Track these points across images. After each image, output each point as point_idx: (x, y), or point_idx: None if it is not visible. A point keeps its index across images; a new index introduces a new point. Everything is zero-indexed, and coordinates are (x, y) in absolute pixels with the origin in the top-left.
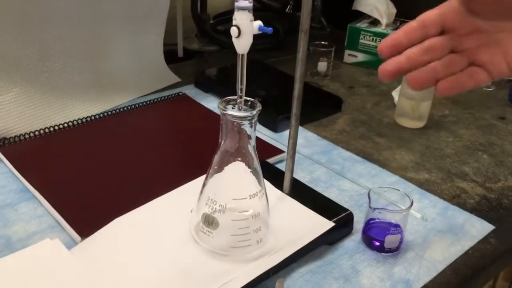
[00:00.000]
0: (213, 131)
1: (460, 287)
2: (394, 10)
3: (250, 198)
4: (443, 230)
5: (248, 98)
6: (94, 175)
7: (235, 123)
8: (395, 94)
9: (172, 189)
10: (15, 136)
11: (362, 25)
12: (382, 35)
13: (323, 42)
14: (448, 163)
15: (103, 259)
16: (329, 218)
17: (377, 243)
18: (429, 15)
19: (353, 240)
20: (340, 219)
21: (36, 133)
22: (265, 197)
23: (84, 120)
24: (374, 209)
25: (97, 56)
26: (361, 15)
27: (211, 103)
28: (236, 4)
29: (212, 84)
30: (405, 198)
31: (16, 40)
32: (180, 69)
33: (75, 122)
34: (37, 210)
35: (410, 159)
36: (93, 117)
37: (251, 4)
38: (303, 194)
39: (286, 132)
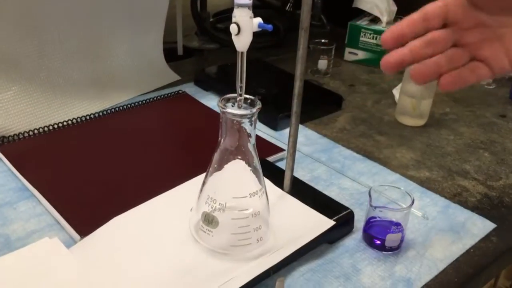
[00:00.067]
0: (213, 129)
1: (462, 286)
2: (394, 8)
3: (250, 197)
4: (444, 228)
5: (248, 96)
6: (93, 174)
7: (235, 121)
8: (396, 92)
9: (171, 188)
10: (14, 135)
11: (363, 22)
12: (383, 33)
13: (323, 40)
14: (449, 161)
15: (102, 258)
16: (330, 217)
17: (378, 242)
18: (432, 7)
19: (354, 239)
20: (341, 218)
21: (35, 131)
22: (265, 196)
23: (83, 118)
24: (375, 207)
25: (96, 54)
26: (362, 13)
27: (211, 101)
28: (236, 1)
29: (212, 82)
30: (406, 197)
31: (15, 38)
32: (180, 67)
33: (74, 121)
34: (36, 208)
35: (411, 157)
36: (92, 116)
37: (251, 1)
38: (304, 192)
39: (286, 131)
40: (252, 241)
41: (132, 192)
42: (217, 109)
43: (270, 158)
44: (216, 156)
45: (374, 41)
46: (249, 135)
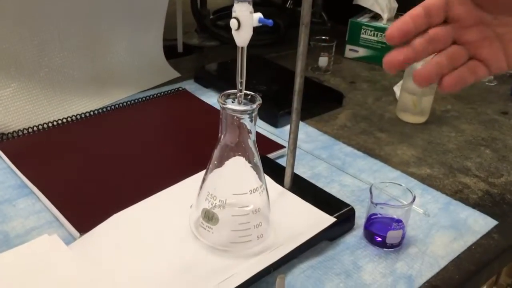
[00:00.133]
0: (213, 126)
1: (463, 283)
2: (395, 5)
3: (251, 193)
4: (445, 225)
5: (248, 92)
6: (93, 171)
7: (235, 117)
8: (397, 89)
9: (171, 185)
10: (13, 132)
11: (363, 19)
12: (384, 30)
13: (324, 37)
14: (450, 158)
15: (102, 255)
16: (331, 214)
17: (379, 239)
18: (434, 2)
19: (355, 236)
20: (342, 215)
21: (35, 128)
22: (266, 192)
23: (83, 115)
24: (376, 204)
25: (96, 52)
26: (362, 10)
27: (211, 98)
28: None
29: (212, 79)
30: (407, 193)
31: (15, 35)
32: (180, 64)
33: (74, 118)
34: (35, 205)
35: (412, 154)
36: (92, 113)
37: None
38: (304, 189)
39: (287, 128)
40: (253, 238)
41: (132, 189)
42: (217, 106)
43: (271, 155)
44: (216, 153)
45: (375, 38)
46: (249, 132)
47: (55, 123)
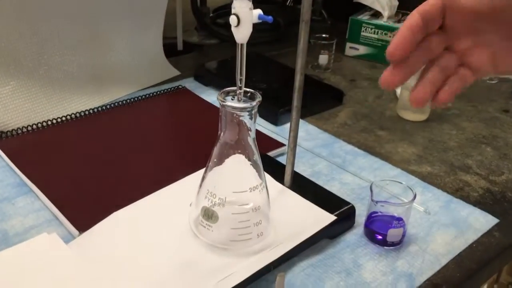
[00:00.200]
0: (213, 124)
1: (464, 281)
2: (396, 3)
3: (250, 191)
4: (446, 223)
5: (248, 89)
6: (92, 169)
7: (235, 115)
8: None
9: (171, 183)
10: (12, 130)
11: (364, 17)
12: (384, 28)
13: (324, 35)
14: (451, 156)
15: (101, 253)
16: (331, 212)
17: (380, 237)
18: (430, 10)
19: (355, 234)
20: (342, 213)
21: (34, 126)
22: (266, 190)
23: (83, 113)
24: (377, 202)
25: (96, 49)
26: (363, 7)
27: (211, 96)
28: None
29: (212, 77)
30: (407, 191)
31: (14, 32)
32: (179, 62)
33: (73, 116)
34: (35, 204)
35: (413, 152)
36: (91, 111)
37: None
38: (304, 187)
39: (287, 126)
40: (253, 236)
41: (131, 187)
42: (217, 104)
43: (271, 153)
44: (215, 150)
45: (376, 36)
46: (249, 129)
47: (54, 121)
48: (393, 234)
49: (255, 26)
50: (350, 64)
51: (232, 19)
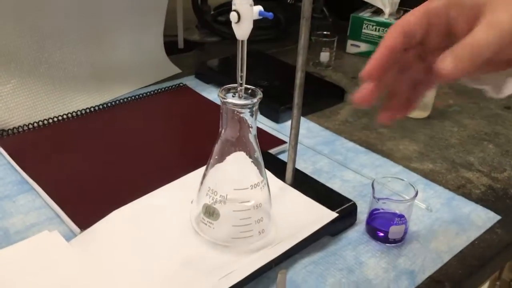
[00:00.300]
0: (214, 122)
1: (466, 278)
2: None
3: (252, 188)
4: (448, 220)
5: (249, 86)
6: (93, 167)
7: (236, 112)
8: None
9: (172, 180)
10: (13, 128)
11: (365, 14)
12: (385, 25)
13: (325, 32)
14: (453, 153)
15: (103, 251)
16: (332, 209)
17: (381, 234)
18: (414, 27)
19: (357, 231)
20: (344, 210)
21: (35, 124)
22: (267, 188)
23: (83, 111)
24: (378, 199)
25: (97, 47)
26: (364, 5)
27: (212, 94)
28: None
29: (213, 75)
30: (409, 188)
31: (14, 30)
32: (180, 60)
33: (74, 114)
34: (36, 202)
35: (414, 149)
36: (92, 109)
37: None
38: (306, 184)
39: (288, 123)
40: (254, 233)
41: (133, 185)
42: (218, 102)
43: (272, 151)
44: (216, 148)
45: (377, 33)
46: (250, 126)
47: (55, 119)
48: (395, 231)
49: (256, 23)
50: (351, 62)
51: (233, 16)
